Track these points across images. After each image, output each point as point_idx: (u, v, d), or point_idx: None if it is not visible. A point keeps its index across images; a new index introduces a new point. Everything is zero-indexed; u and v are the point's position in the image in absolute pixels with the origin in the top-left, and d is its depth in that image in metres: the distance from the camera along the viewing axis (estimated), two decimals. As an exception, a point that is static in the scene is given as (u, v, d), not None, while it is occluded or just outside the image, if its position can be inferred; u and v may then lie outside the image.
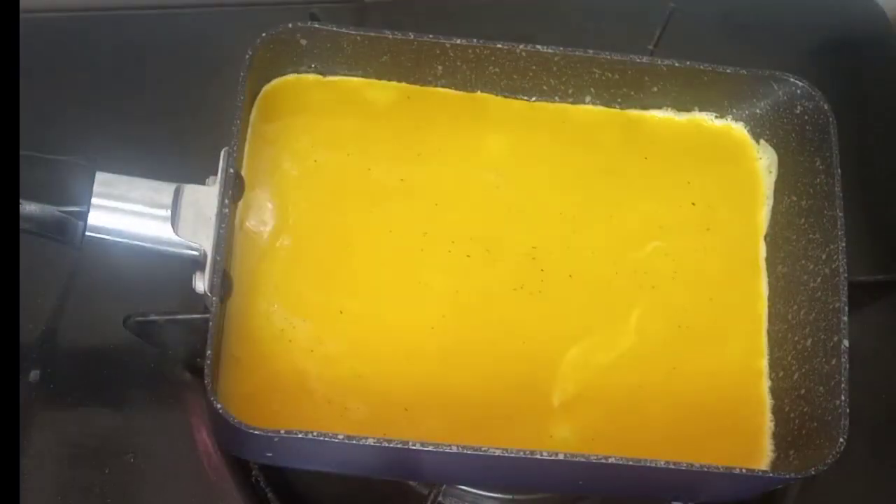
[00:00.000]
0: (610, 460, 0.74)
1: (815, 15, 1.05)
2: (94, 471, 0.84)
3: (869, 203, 0.96)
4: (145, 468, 0.85)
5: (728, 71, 0.88)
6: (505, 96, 0.91)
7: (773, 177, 0.90)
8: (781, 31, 1.03)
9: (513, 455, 0.74)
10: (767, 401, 0.84)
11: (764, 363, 0.85)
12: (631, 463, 0.74)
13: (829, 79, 0.98)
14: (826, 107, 0.86)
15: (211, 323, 0.76)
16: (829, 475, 0.76)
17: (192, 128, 0.93)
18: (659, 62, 0.88)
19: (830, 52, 1.02)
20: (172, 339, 0.83)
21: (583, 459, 0.75)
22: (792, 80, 0.87)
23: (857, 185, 0.95)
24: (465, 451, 0.74)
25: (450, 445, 0.74)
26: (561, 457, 0.74)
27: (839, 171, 0.84)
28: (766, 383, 0.85)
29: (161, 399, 0.87)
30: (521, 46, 0.87)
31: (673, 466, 0.75)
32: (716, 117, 0.91)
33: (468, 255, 0.85)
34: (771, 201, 0.90)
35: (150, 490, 0.84)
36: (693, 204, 0.89)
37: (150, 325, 0.81)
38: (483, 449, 0.74)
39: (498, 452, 0.74)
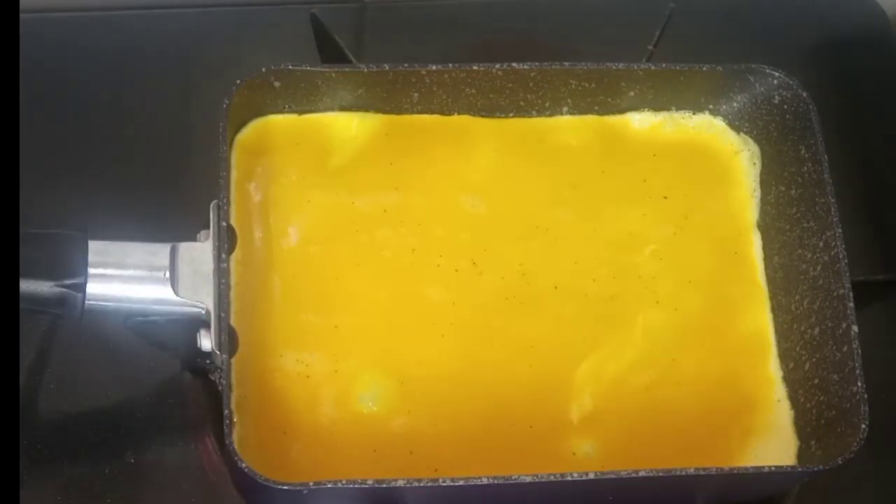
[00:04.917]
0: (641, 473, 0.74)
1: (815, 15, 1.04)
2: (94, 471, 0.83)
3: (869, 203, 0.96)
4: (145, 468, 0.84)
5: (704, 69, 0.88)
6: (482, 116, 0.90)
7: (758, 168, 0.90)
8: (781, 30, 1.02)
9: (544, 480, 0.74)
10: (782, 393, 0.84)
11: (773, 355, 0.85)
12: (662, 474, 0.74)
13: (829, 79, 0.98)
14: (804, 94, 0.85)
15: (223, 381, 0.75)
16: (831, 475, 0.76)
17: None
18: (635, 67, 0.88)
19: (830, 52, 1.01)
20: (172, 339, 0.83)
21: (614, 476, 0.74)
22: (768, 70, 0.86)
23: (857, 186, 0.96)
24: (496, 482, 0.73)
25: (480, 478, 0.73)
26: (592, 476, 0.74)
27: (826, 157, 0.84)
28: (778, 375, 0.85)
29: (161, 399, 0.86)
30: (498, 66, 0.86)
31: (703, 472, 0.76)
32: (693, 114, 0.91)
33: (456, 270, 0.85)
34: (759, 193, 0.89)
35: (149, 490, 0.83)
36: (675, 201, 0.89)
37: (150, 324, 0.80)
38: (514, 478, 0.73)
39: (529, 479, 0.73)
